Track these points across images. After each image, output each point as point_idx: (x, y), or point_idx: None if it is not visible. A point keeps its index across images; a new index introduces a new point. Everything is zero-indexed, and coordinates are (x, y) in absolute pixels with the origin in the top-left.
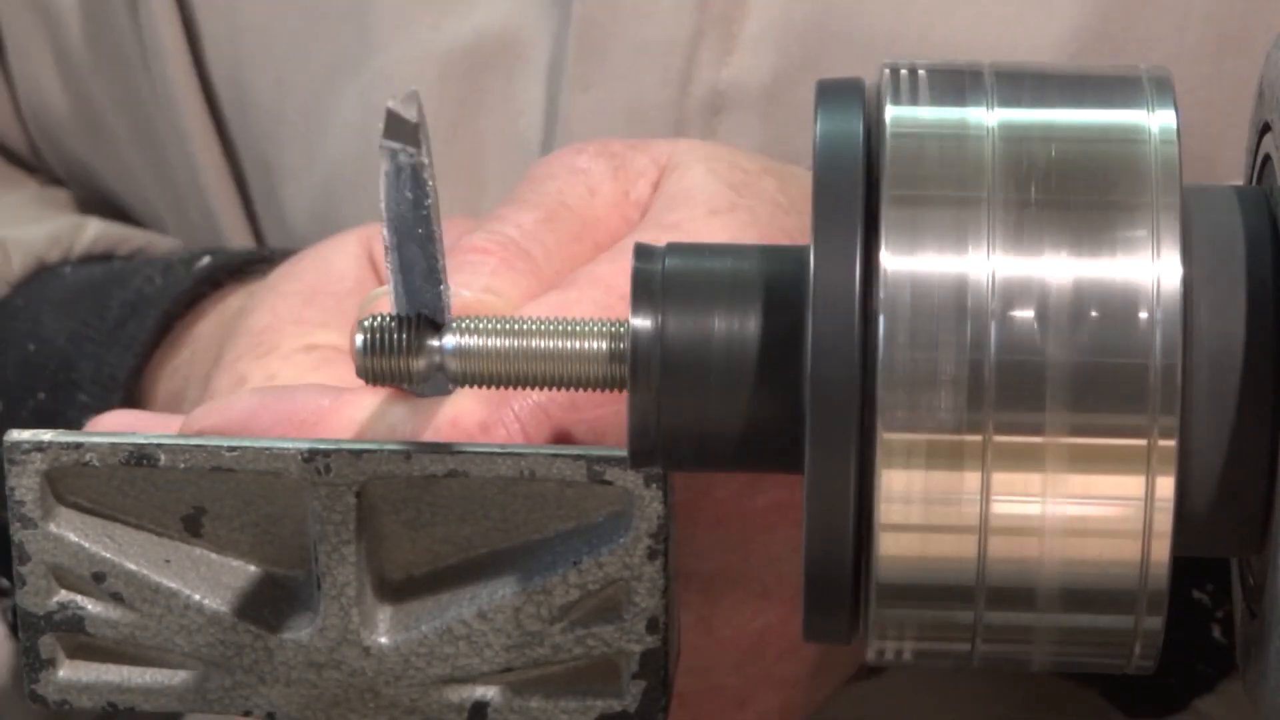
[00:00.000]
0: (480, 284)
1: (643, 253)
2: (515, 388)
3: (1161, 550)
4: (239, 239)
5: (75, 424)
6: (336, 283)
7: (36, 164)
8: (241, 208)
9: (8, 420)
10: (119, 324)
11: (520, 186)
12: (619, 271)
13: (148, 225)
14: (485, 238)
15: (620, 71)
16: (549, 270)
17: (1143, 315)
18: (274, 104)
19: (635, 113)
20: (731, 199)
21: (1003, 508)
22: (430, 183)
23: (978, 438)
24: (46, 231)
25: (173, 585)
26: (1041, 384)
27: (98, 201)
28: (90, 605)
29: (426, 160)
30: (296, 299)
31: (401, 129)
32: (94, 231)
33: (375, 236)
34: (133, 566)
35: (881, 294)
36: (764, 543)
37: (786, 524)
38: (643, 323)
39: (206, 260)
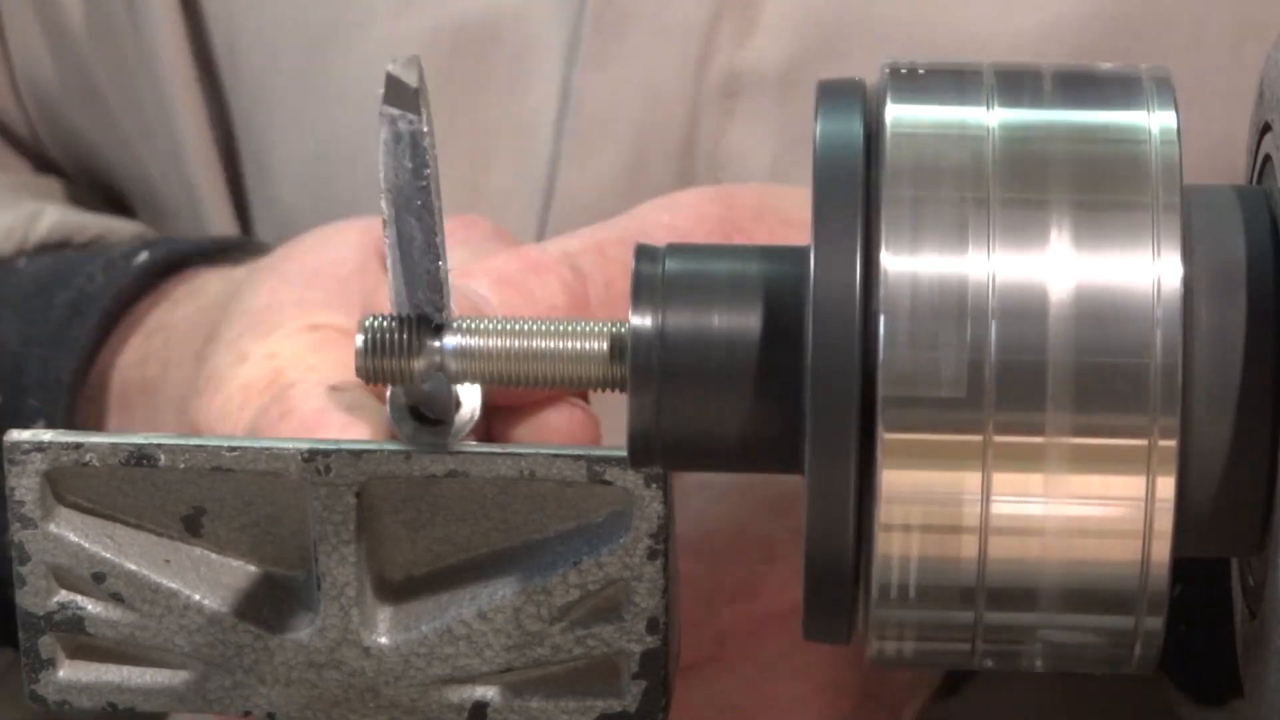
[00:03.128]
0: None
1: (643, 253)
2: (516, 387)
3: (1162, 550)
4: (220, 211)
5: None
6: (339, 265)
7: (34, 143)
8: (224, 178)
9: None
10: (62, 325)
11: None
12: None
13: (143, 200)
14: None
15: (637, 52)
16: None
17: (1143, 315)
18: (265, 69)
19: (651, 94)
20: None
21: (1003, 508)
22: (430, 152)
23: (978, 438)
24: (1, 223)
25: (173, 585)
26: (1042, 384)
27: (92, 179)
28: (90, 605)
29: (427, 128)
30: (298, 279)
31: (402, 94)
32: (49, 221)
33: (377, 225)
34: (133, 566)
35: (881, 294)
36: None
37: None
38: (643, 323)
39: (144, 256)
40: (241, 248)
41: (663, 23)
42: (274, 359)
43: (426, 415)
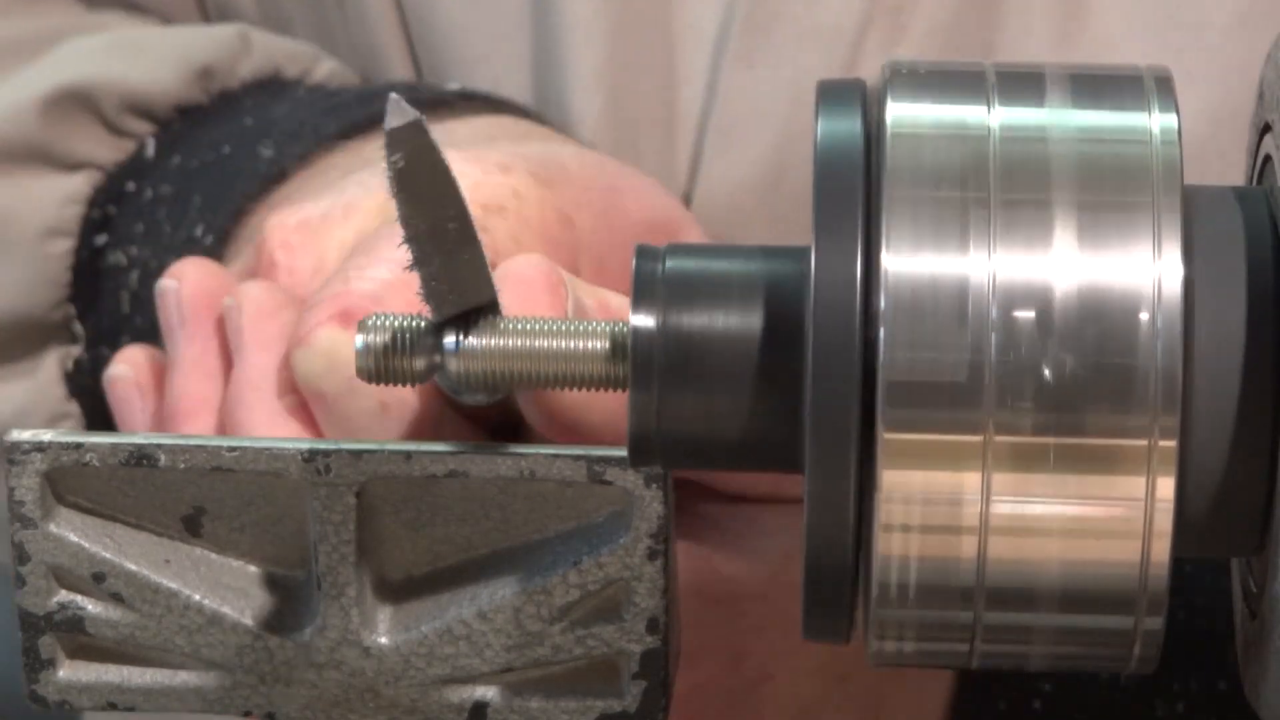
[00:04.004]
0: None
1: (644, 252)
2: (516, 387)
3: (1161, 551)
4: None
5: (242, 175)
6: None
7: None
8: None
9: (181, 175)
10: (336, 109)
11: None
12: None
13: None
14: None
15: (785, 52)
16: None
17: (1143, 316)
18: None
19: (798, 95)
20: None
21: (1003, 508)
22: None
23: (978, 438)
24: (288, 47)
25: (173, 585)
26: (1041, 384)
27: None
28: (90, 605)
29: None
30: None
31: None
32: (329, 67)
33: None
34: (133, 566)
35: (882, 294)
36: None
37: None
38: (643, 322)
39: (456, 85)
40: (490, 102)
41: (812, 25)
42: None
43: None
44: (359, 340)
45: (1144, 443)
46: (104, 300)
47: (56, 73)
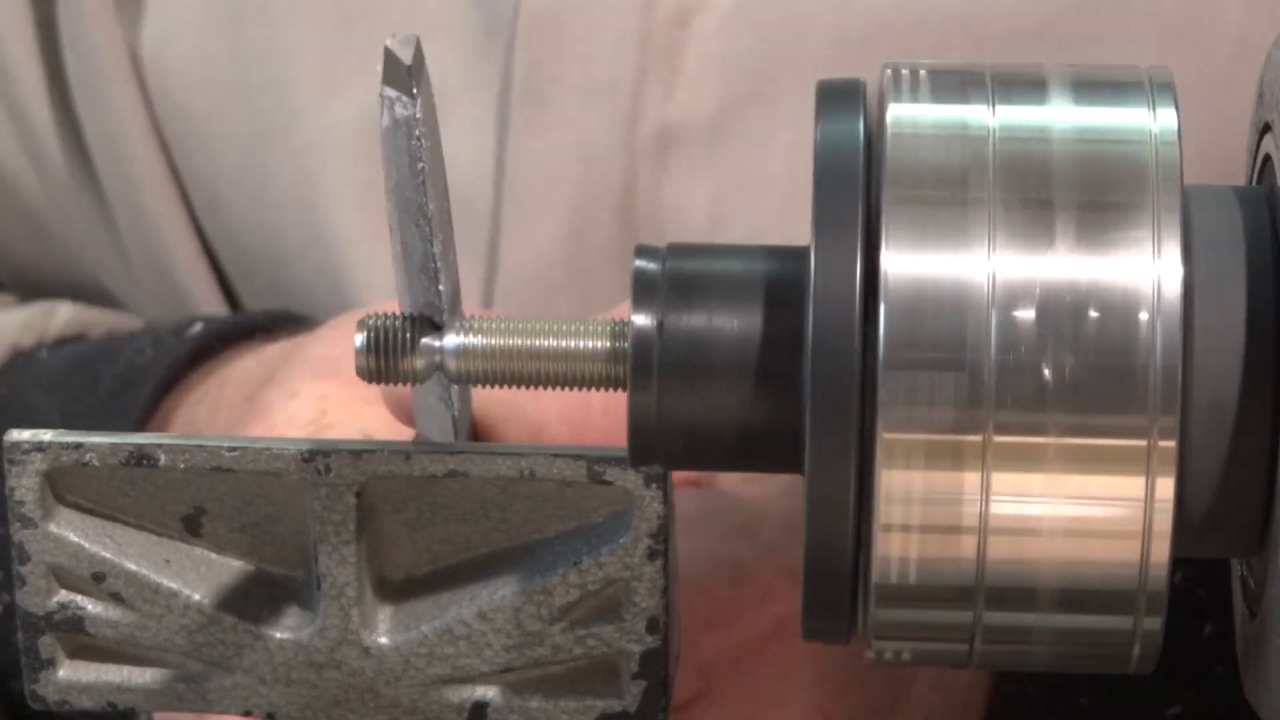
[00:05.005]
0: None
1: (644, 252)
2: (515, 387)
3: (1161, 551)
4: (212, 306)
5: None
6: None
7: None
8: (214, 278)
9: None
10: (112, 395)
11: None
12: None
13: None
14: None
15: (567, 115)
16: None
17: (1143, 315)
18: (209, 178)
19: (586, 154)
20: None
21: (1002, 508)
22: (425, 143)
23: (977, 438)
24: (19, 318)
25: (173, 585)
26: (1041, 384)
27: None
28: (90, 605)
29: (420, 115)
30: None
31: (396, 74)
32: (66, 315)
33: None
34: (133, 566)
35: (882, 294)
36: None
37: None
38: (643, 322)
39: (199, 327)
40: (297, 321)
41: (590, 84)
42: (324, 400)
43: None
44: (358, 339)
45: (1143, 443)
46: None
47: None
